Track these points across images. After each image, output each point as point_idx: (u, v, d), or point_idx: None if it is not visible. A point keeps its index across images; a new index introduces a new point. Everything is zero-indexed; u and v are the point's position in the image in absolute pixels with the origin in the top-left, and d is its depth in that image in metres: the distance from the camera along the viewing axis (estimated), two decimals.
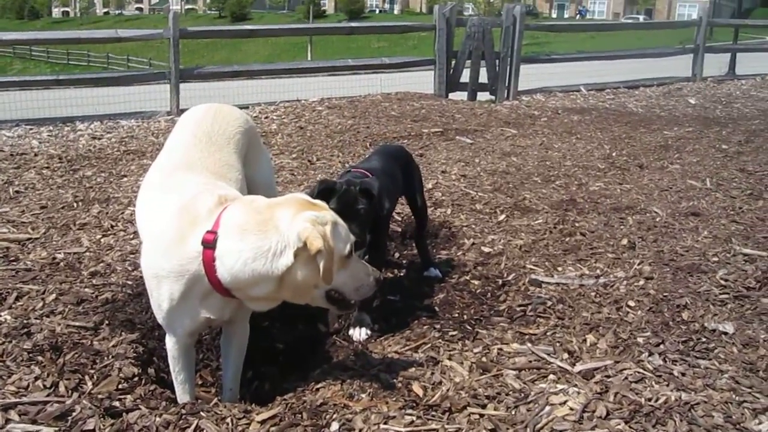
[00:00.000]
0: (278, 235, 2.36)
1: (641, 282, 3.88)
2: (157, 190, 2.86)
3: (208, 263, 2.40)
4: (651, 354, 3.04)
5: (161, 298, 2.54)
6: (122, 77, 10.51)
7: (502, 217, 5.15)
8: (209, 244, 2.40)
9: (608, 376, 2.86)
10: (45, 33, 10.96)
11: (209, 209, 2.50)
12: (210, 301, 2.54)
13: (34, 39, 9.98)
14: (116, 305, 3.65)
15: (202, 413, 2.63)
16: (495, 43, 11.31)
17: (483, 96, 11.46)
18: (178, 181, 2.80)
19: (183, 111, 9.53)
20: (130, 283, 3.95)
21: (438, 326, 3.39)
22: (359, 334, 3.42)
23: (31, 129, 8.71)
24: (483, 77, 11.33)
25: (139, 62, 44.19)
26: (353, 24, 18.71)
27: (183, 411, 2.64)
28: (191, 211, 2.52)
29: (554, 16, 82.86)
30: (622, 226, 4.93)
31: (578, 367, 2.94)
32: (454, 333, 3.30)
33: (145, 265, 2.61)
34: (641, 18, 70.73)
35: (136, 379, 2.93)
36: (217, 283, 2.43)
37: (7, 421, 2.52)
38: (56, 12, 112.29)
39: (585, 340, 3.21)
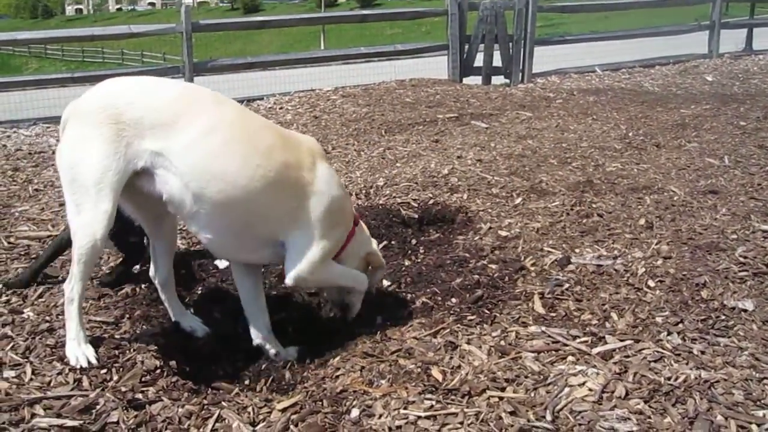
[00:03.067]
0: None
1: (659, 261, 3.87)
2: None
3: None
4: (670, 333, 3.03)
5: None
6: (138, 73, 10.52)
7: (518, 201, 5.14)
8: None
9: (627, 357, 2.86)
10: (60, 31, 11.00)
11: None
12: None
13: (49, 38, 10.04)
14: (135, 299, 3.69)
15: (223, 403, 2.66)
16: (508, 26, 11.23)
17: (497, 80, 11.40)
18: None
19: None
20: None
21: (456, 311, 3.39)
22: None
23: (48, 127, 8.77)
24: (497, 61, 11.27)
25: (153, 57, 44.39)
26: (365, 11, 18.64)
27: (204, 401, 2.67)
28: None
29: None
30: (639, 206, 4.91)
31: (597, 348, 2.94)
32: (472, 317, 3.31)
33: None
34: None
35: (158, 371, 2.96)
36: None
37: (33, 415, 2.55)
38: (69, 10, 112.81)
39: (603, 321, 3.21)
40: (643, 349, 2.90)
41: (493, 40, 11.09)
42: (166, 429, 2.51)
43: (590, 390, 2.61)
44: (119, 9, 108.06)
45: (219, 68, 10.53)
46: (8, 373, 2.87)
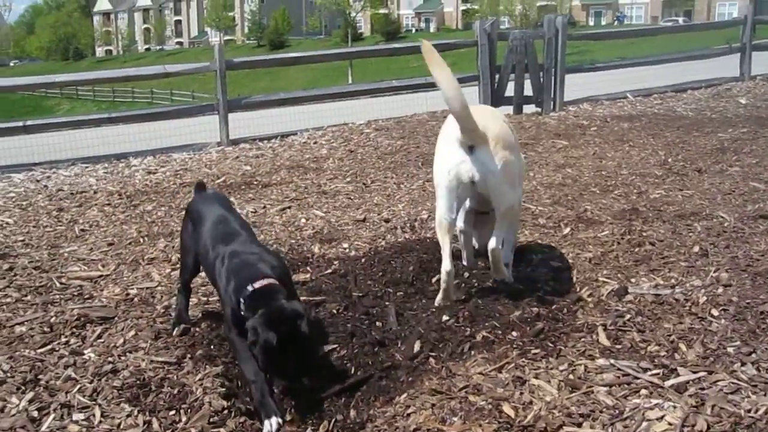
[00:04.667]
0: None
1: (720, 290, 3.81)
2: None
3: None
4: (743, 364, 2.97)
5: None
6: (172, 111, 10.68)
7: (566, 231, 5.10)
8: None
9: (702, 389, 2.80)
10: (95, 73, 11.18)
11: None
12: None
13: (85, 80, 10.17)
14: (195, 339, 3.68)
15: None
16: (538, 55, 11.25)
17: (528, 108, 11.39)
18: None
19: (233, 141, 9.78)
20: (204, 315, 4.00)
21: (518, 344, 3.34)
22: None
23: (86, 167, 8.88)
24: (527, 90, 11.27)
25: (182, 95, 44.98)
26: (395, 45, 18.86)
27: None
28: None
29: (591, 23, 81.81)
30: (690, 233, 4.85)
31: (670, 381, 2.88)
32: (536, 351, 3.26)
33: None
34: (681, 20, 69.53)
35: (225, 411, 2.95)
36: None
37: None
38: (99, 51, 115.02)
39: (672, 353, 3.15)
40: (718, 380, 2.84)
41: (524, 70, 11.11)
42: None
43: (670, 424, 2.56)
44: (147, 49, 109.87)
45: (253, 105, 10.64)
46: (77, 416, 2.87)
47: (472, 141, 3.71)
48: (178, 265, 4.73)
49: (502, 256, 3.99)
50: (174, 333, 3.74)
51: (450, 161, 3.81)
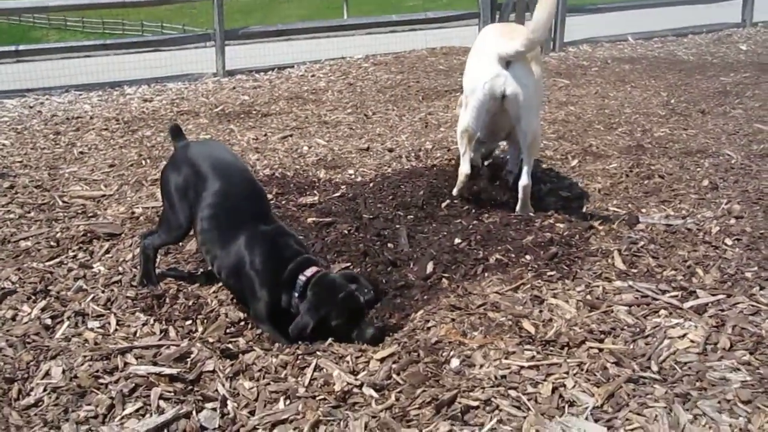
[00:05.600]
0: None
1: (732, 221, 3.80)
2: None
3: None
4: (762, 288, 2.97)
5: None
6: (168, 39, 10.44)
7: (574, 163, 5.07)
8: None
9: (722, 310, 2.80)
10: None
11: None
12: None
13: (82, 4, 9.92)
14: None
15: (318, 353, 2.62)
16: None
17: None
18: None
19: (229, 72, 9.60)
20: None
21: (533, 267, 3.33)
22: None
23: (80, 94, 8.70)
24: None
25: (173, 28, 43.95)
26: None
27: (299, 351, 2.63)
28: None
29: None
30: (698, 168, 4.83)
31: (689, 303, 2.87)
32: (552, 273, 3.24)
33: None
34: None
35: (242, 323, 2.93)
36: None
37: (126, 364, 2.52)
38: None
39: (689, 277, 3.15)
40: (737, 303, 2.84)
41: (524, 8, 10.92)
42: (263, 378, 2.47)
43: (692, 342, 2.56)
44: None
45: (251, 35, 10.41)
46: (92, 324, 2.84)
47: (515, 58, 3.87)
48: None
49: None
50: (143, 291, 3.24)
51: (486, 74, 3.90)
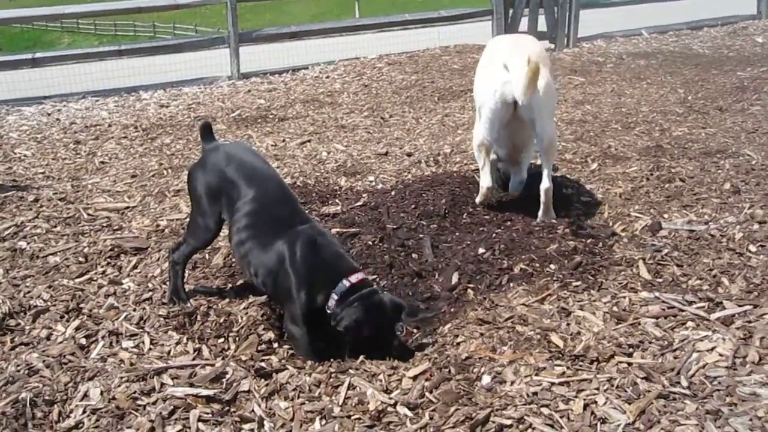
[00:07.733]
0: None
1: (755, 226, 3.80)
2: None
3: None
4: None
5: None
6: (184, 44, 10.42)
7: (594, 166, 5.07)
8: None
9: (749, 322, 2.82)
10: (106, 4, 10.89)
11: None
12: None
13: (98, 11, 10.00)
14: (232, 269, 3.68)
15: (350, 371, 2.65)
16: None
17: (542, 45, 11.20)
18: None
19: (244, 75, 9.64)
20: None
21: (558, 277, 3.35)
22: None
23: (97, 100, 8.76)
24: (541, 25, 11.08)
25: (185, 29, 44.05)
26: None
27: (332, 369, 2.67)
28: None
29: None
30: (719, 170, 4.82)
31: (716, 314, 2.89)
32: (577, 283, 3.27)
33: None
34: None
35: (274, 341, 2.96)
36: None
37: (163, 385, 2.57)
38: None
39: (715, 287, 3.16)
40: (765, 314, 2.85)
41: (538, 5, 10.91)
42: (298, 397, 2.51)
43: (721, 355, 2.58)
44: None
45: (264, 38, 10.43)
46: (127, 343, 2.89)
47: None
48: None
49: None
50: (174, 309, 3.25)
51: (495, 81, 3.93)
